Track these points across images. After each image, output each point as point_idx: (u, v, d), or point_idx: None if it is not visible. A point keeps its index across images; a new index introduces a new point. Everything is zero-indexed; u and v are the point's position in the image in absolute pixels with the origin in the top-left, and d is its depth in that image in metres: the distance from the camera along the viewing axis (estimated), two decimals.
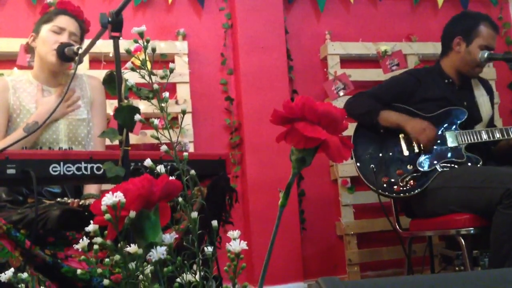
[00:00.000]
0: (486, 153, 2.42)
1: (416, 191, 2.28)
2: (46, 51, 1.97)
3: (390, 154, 2.39)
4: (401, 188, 2.30)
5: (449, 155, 2.35)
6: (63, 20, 2.00)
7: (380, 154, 2.40)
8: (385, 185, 2.33)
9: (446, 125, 2.41)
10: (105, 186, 2.05)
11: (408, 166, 2.34)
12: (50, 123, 1.95)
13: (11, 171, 1.27)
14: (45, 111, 1.89)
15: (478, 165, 2.33)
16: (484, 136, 2.38)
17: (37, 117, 1.89)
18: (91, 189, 1.98)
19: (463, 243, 2.12)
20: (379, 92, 2.49)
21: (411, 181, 2.30)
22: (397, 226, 2.51)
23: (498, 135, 2.38)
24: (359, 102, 2.44)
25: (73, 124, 2.01)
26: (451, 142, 2.37)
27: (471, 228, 2.11)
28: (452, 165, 2.32)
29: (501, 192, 1.96)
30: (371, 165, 2.36)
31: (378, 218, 2.89)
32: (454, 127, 2.41)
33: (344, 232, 2.94)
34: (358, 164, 2.39)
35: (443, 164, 2.32)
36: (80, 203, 1.70)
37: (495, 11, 3.47)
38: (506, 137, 2.38)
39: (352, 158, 2.43)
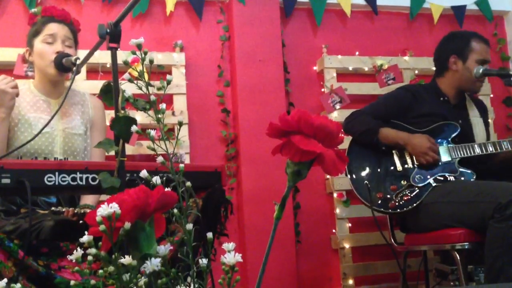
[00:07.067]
0: (481, 167, 2.43)
1: (411, 206, 2.28)
2: (46, 64, 1.98)
3: (384, 169, 2.39)
4: (396, 204, 2.30)
5: (442, 169, 2.35)
6: (52, 28, 2.00)
7: (374, 170, 2.40)
8: (379, 201, 2.33)
9: (439, 139, 2.42)
10: (102, 198, 2.04)
11: (402, 181, 2.35)
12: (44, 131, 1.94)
13: (5, 180, 1.27)
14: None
15: (472, 180, 2.34)
16: (477, 150, 2.39)
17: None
18: (87, 200, 1.98)
19: (458, 258, 2.12)
20: (376, 110, 2.50)
21: (406, 197, 2.31)
22: (392, 240, 2.51)
23: (491, 149, 2.39)
24: (359, 121, 2.44)
25: (69, 137, 2.00)
26: (444, 156, 2.38)
27: (466, 243, 2.11)
28: (446, 179, 2.33)
29: (493, 206, 1.98)
30: (365, 182, 2.36)
31: (373, 231, 2.88)
32: (447, 141, 2.43)
33: (339, 246, 2.93)
34: (352, 180, 2.40)
35: (437, 179, 2.33)
36: (75, 211, 1.70)
37: (490, 28, 3.50)
38: (499, 150, 2.39)
39: (346, 175, 2.44)
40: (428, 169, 2.35)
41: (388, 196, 2.33)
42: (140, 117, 2.51)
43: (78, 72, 1.76)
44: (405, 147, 2.36)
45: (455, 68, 2.50)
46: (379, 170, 2.40)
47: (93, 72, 2.74)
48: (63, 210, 1.71)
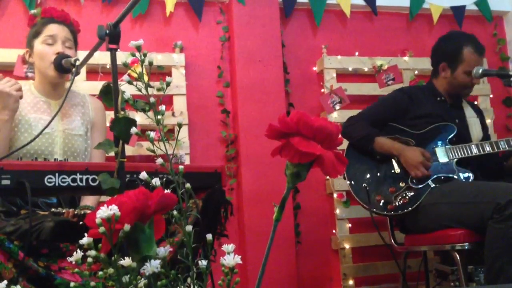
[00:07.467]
0: (479, 167, 2.43)
1: (410, 208, 2.28)
2: (45, 66, 1.98)
3: (382, 172, 2.39)
4: (395, 206, 2.30)
5: (440, 170, 2.35)
6: (52, 29, 1.99)
7: (372, 172, 2.40)
8: (379, 203, 2.33)
9: (436, 141, 2.42)
10: (103, 198, 2.04)
11: (401, 184, 2.34)
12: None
13: (5, 181, 1.27)
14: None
15: (470, 180, 2.34)
16: (474, 150, 2.39)
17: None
18: (87, 201, 1.98)
19: (458, 258, 2.12)
20: (374, 113, 2.50)
21: (404, 199, 2.30)
22: (392, 241, 2.51)
23: (488, 149, 2.39)
24: (357, 126, 2.44)
25: (69, 138, 2.00)
26: (442, 157, 2.38)
27: (466, 244, 2.11)
28: (444, 180, 2.33)
29: (492, 206, 1.98)
30: (364, 184, 2.36)
31: (373, 232, 2.88)
32: (444, 143, 2.42)
33: (339, 246, 2.93)
34: (351, 183, 2.40)
35: (435, 180, 2.32)
36: (75, 212, 1.70)
37: (490, 28, 3.50)
38: (496, 150, 2.39)
39: (344, 178, 2.44)
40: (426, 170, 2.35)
41: (387, 198, 2.33)
42: (140, 117, 2.51)
43: (77, 73, 1.76)
44: (399, 158, 2.36)
45: (444, 75, 2.52)
46: (377, 172, 2.40)
47: (92, 73, 2.74)
48: (63, 211, 1.71)
